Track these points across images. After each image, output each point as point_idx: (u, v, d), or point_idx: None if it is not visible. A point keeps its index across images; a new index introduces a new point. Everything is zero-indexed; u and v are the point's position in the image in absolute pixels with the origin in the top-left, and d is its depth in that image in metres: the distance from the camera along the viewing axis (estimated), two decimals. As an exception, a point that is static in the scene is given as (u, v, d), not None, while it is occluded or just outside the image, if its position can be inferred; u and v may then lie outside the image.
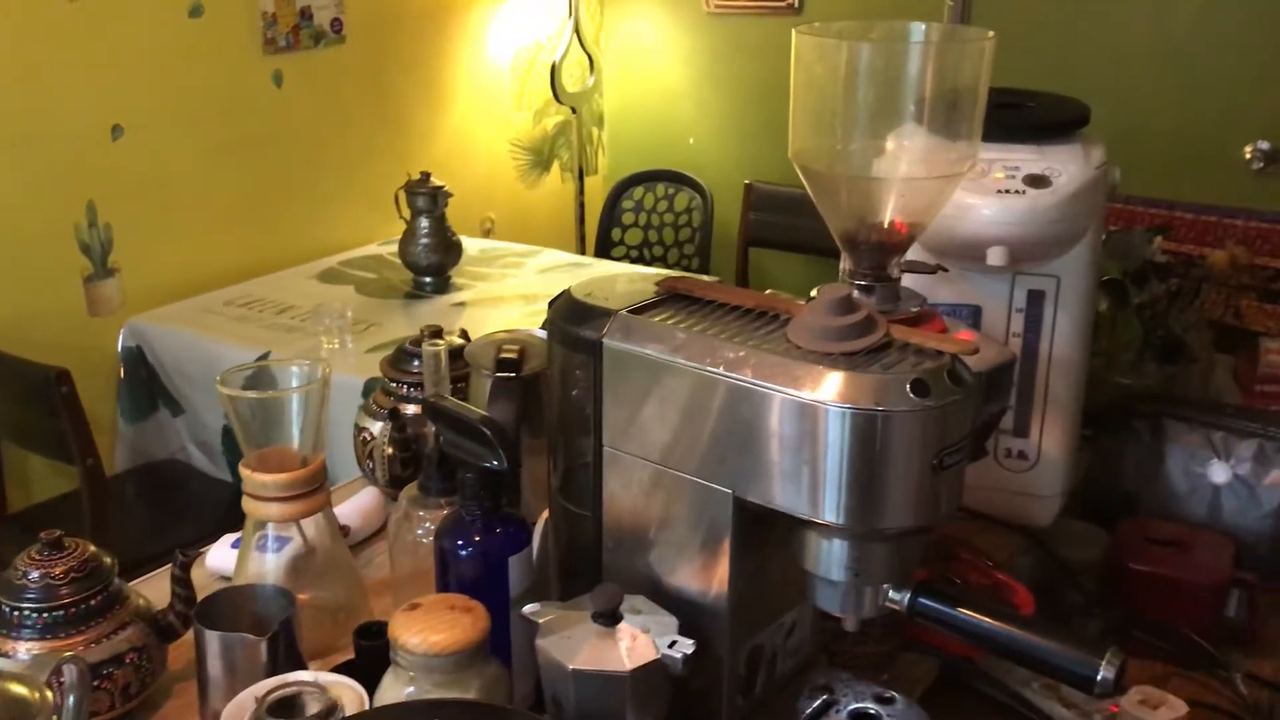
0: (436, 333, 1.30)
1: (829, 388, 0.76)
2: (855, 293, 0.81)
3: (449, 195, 2.81)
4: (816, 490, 0.77)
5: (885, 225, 1.04)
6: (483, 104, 3.57)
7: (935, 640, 1.03)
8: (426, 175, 2.82)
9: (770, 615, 0.90)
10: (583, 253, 3.76)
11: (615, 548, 0.90)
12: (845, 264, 1.06)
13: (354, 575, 1.10)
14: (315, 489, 1.04)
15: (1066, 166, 1.12)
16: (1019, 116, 1.18)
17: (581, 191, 3.88)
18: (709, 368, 0.80)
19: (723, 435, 0.81)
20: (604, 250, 3.78)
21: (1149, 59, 2.97)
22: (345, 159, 3.18)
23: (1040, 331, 1.19)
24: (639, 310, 0.87)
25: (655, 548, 0.88)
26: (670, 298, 0.90)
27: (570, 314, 0.89)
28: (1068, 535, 1.27)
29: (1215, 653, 1.15)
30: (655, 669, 0.80)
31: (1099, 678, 0.74)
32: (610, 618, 0.82)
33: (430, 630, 0.83)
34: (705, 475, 0.83)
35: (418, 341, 1.32)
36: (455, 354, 1.16)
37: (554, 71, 3.65)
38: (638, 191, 3.79)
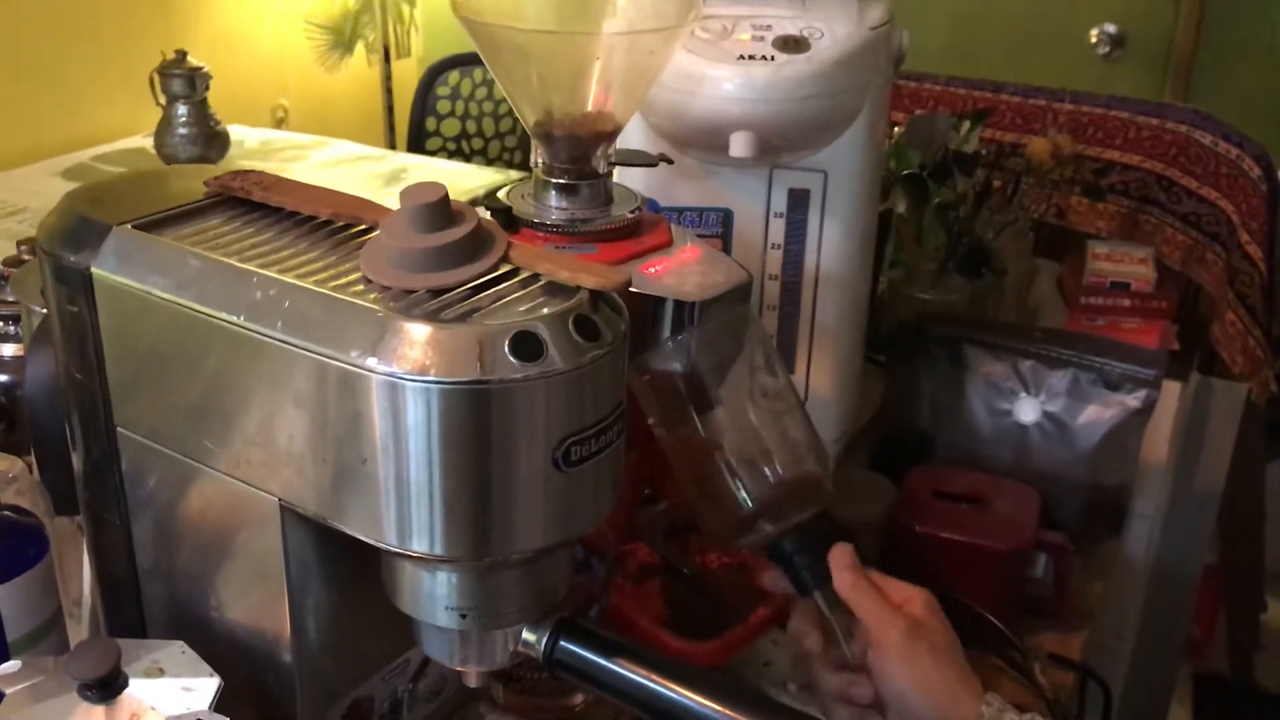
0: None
1: (390, 347, 0.48)
2: (451, 197, 0.54)
3: (209, 77, 2.43)
4: (390, 504, 0.51)
5: (584, 103, 0.77)
6: (267, -26, 3.14)
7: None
8: (182, 54, 2.43)
9: (382, 655, 0.64)
10: (392, 146, 3.39)
11: (154, 571, 0.63)
12: (539, 157, 0.79)
13: None
14: None
15: (831, 26, 0.85)
16: (775, -40, 0.91)
17: (389, 76, 3.49)
18: (223, 315, 0.52)
19: (256, 418, 0.53)
20: (418, 144, 3.40)
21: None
22: (97, 38, 2.73)
23: (805, 241, 0.93)
24: (152, 224, 0.58)
25: (202, 574, 0.60)
26: (221, 202, 0.61)
27: (62, 231, 0.59)
28: (847, 489, 1.03)
29: (1008, 632, 0.94)
30: (160, 768, 0.54)
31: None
32: (103, 689, 0.55)
33: None
34: (242, 475, 0.55)
35: (15, 260, 1.00)
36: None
37: (349, -62, 3.24)
38: (453, 77, 3.40)
